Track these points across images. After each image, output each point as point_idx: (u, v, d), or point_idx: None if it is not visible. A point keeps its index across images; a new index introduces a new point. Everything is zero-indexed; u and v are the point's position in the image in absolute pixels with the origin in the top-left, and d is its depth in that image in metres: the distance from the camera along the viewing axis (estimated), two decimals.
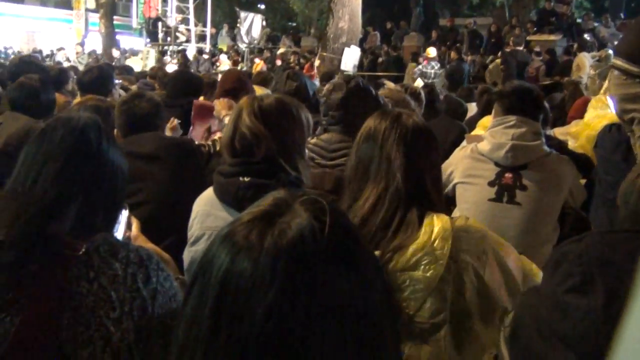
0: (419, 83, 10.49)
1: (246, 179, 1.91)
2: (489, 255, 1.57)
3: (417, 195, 1.60)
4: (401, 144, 1.63)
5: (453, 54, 14.58)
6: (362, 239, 0.91)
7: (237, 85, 4.09)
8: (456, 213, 2.85)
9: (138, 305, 1.34)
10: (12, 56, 18.95)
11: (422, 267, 1.49)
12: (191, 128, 4.06)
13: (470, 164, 2.91)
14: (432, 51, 14.29)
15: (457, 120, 5.37)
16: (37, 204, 1.36)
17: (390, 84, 6.55)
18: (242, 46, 20.21)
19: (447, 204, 2.88)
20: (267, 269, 0.77)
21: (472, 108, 6.27)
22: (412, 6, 20.13)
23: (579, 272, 1.16)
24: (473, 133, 4.18)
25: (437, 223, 1.55)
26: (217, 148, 3.18)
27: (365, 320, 0.82)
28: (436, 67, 13.97)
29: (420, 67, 14.07)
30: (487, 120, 3.78)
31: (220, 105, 3.40)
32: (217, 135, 3.46)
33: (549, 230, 2.75)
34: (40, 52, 21.31)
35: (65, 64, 14.48)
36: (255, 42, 20.56)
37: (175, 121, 3.71)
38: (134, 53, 19.55)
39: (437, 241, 1.52)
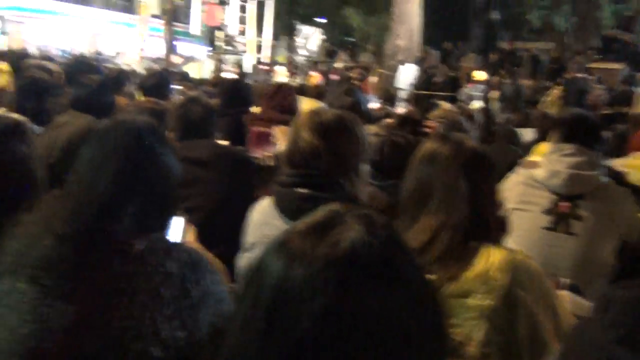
0: (476, 105, 10.38)
1: (303, 191, 1.93)
2: (545, 298, 1.54)
3: (478, 226, 1.59)
4: (464, 171, 1.62)
5: (505, 77, 14.39)
6: (414, 257, 0.91)
7: (285, 104, 4.14)
8: (508, 240, 2.79)
9: (188, 305, 1.37)
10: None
11: (477, 295, 1.48)
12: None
13: (525, 190, 2.85)
14: (479, 74, 14.11)
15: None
16: (94, 203, 1.41)
17: (445, 105, 6.50)
18: (299, 59, 20.38)
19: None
20: (319, 278, 0.79)
21: (528, 133, 6.16)
22: (471, 27, 20.00)
23: (628, 323, 1.12)
24: (529, 159, 4.10)
25: (495, 254, 1.53)
26: (270, 163, 3.22)
27: (412, 339, 0.82)
28: (483, 90, 13.76)
29: (467, 90, 13.93)
30: (544, 146, 3.72)
31: (280, 132, 3.43)
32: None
33: (605, 263, 2.67)
34: (102, 54, 21.89)
35: (126, 67, 14.82)
36: (313, 55, 20.73)
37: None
38: (193, 60, 19.86)
39: (494, 272, 1.50)
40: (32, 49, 19.69)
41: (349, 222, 0.85)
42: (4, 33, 23.62)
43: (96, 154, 1.49)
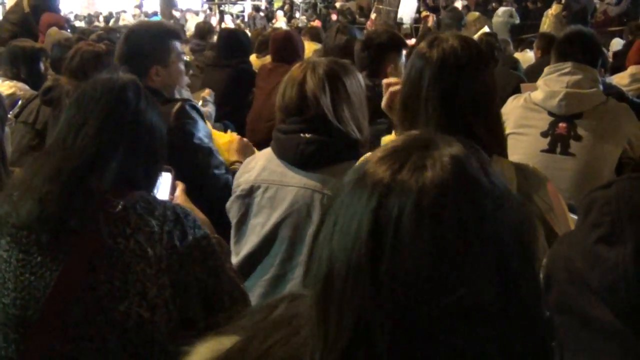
0: (485, 30, 10.15)
1: (307, 136, 1.94)
2: (553, 201, 1.52)
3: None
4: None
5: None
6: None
7: (289, 47, 4.08)
8: None
9: (174, 261, 1.37)
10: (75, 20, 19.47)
11: None
12: None
13: (523, 113, 2.81)
14: None
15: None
16: (77, 159, 1.39)
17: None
18: (297, 0, 20.00)
19: None
20: None
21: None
22: None
23: (607, 222, 1.10)
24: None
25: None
26: None
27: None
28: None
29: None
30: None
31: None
32: None
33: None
34: (101, 15, 21.66)
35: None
36: None
37: (207, 90, 3.70)
38: (196, 13, 19.49)
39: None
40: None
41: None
42: None
43: (79, 112, 1.46)
